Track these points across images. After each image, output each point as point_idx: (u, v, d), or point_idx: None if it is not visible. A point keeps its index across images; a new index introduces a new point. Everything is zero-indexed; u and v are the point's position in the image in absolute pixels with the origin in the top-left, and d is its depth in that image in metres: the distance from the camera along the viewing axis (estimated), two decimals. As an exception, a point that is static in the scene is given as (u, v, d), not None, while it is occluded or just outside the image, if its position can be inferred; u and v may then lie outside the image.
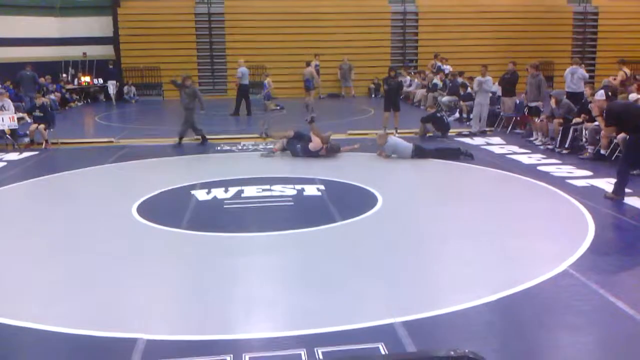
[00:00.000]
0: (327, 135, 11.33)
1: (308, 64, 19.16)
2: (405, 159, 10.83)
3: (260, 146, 12.47)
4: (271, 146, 11.82)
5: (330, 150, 11.22)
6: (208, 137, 13.35)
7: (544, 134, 12.41)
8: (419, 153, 10.87)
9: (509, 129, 14.24)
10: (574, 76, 14.05)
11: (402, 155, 10.90)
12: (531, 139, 12.88)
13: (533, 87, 13.05)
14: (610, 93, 10.71)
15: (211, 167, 10.77)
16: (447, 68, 20.55)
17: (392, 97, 13.95)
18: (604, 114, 8.24)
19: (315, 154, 11.10)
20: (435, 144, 12.19)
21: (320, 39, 23.55)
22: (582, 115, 11.50)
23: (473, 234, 6.59)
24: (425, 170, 10.26)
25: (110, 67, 23.43)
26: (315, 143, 11.10)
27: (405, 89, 22.10)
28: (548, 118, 12.22)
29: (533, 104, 13.00)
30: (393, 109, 13.86)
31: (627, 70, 15.05)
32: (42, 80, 19.83)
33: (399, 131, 13.67)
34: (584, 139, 11.36)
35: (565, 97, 12.38)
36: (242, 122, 16.79)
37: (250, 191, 8.61)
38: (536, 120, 12.78)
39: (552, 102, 12.21)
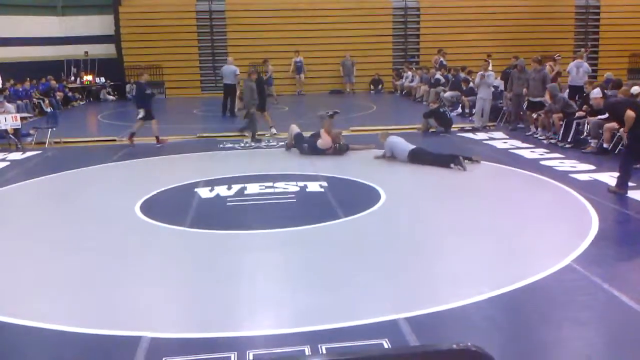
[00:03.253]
0: (337, 132, 11.17)
1: (265, 61, 19.51)
2: (402, 162, 10.13)
3: (263, 144, 12.49)
4: (274, 142, 11.82)
5: (339, 150, 10.98)
6: (210, 134, 13.36)
7: (544, 128, 12.36)
8: (415, 158, 10.00)
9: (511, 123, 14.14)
10: (579, 70, 13.99)
11: (398, 157, 10.22)
12: (528, 133, 12.82)
13: (537, 82, 12.88)
14: (606, 90, 10.73)
15: (214, 165, 10.75)
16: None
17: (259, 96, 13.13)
18: (606, 111, 8.24)
19: (321, 152, 10.91)
20: (435, 146, 11.24)
21: (322, 35, 23.51)
22: (585, 107, 11.47)
23: (476, 229, 6.59)
24: (428, 167, 10.20)
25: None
26: (324, 141, 10.86)
27: (407, 84, 22.16)
28: (547, 113, 12.16)
29: (537, 99, 12.87)
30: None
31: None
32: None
33: (399, 128, 13.39)
34: (585, 133, 11.33)
35: (568, 91, 12.33)
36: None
37: (253, 188, 8.60)
38: (533, 115, 12.70)
39: (547, 97, 12.13)
